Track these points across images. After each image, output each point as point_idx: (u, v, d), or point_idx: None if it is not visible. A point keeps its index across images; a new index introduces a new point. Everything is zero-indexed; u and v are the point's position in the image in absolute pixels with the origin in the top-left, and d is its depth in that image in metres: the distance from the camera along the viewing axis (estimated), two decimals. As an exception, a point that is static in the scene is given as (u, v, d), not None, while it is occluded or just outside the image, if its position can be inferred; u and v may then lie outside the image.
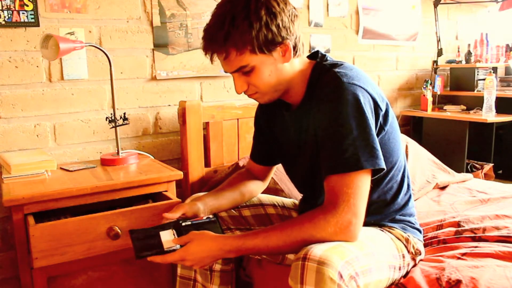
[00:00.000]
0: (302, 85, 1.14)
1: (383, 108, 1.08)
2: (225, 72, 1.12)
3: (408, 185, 1.23)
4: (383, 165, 1.00)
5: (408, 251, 1.18)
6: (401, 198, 1.20)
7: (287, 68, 1.10)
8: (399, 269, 1.14)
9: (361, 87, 1.03)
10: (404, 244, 1.17)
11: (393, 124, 1.14)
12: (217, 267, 1.32)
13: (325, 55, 1.17)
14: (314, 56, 1.19)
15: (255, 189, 1.38)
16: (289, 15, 1.05)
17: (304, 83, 1.14)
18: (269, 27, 1.02)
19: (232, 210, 1.34)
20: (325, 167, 1.02)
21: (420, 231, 1.27)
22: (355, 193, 0.96)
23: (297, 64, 1.12)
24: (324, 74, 1.09)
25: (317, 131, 1.06)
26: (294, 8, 1.09)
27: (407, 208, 1.23)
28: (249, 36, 1.01)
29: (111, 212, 1.39)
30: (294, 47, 1.08)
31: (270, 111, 1.30)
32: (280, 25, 1.03)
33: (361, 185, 0.98)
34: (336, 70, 1.06)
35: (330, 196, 0.99)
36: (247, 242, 1.01)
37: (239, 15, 1.01)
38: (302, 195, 1.36)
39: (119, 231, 1.38)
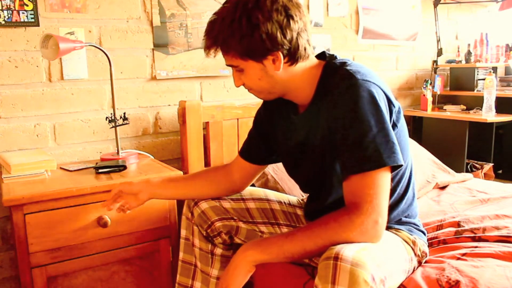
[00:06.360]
0: (310, 87, 1.11)
1: (396, 105, 1.07)
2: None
3: (414, 183, 1.22)
4: (402, 161, 0.98)
5: (415, 254, 1.18)
6: (408, 197, 1.19)
7: (280, 75, 1.07)
8: (408, 272, 1.15)
9: (374, 83, 1.02)
10: (411, 247, 1.17)
11: (403, 122, 1.13)
12: (218, 251, 1.32)
13: (333, 54, 1.14)
14: (322, 55, 1.16)
15: (223, 187, 1.33)
16: (280, 25, 1.00)
17: (312, 84, 1.11)
18: (251, 37, 0.99)
19: (239, 203, 1.34)
20: (345, 167, 0.99)
21: (424, 233, 1.26)
22: (378, 193, 0.95)
23: (299, 68, 1.08)
24: (334, 72, 1.06)
25: (332, 130, 1.04)
26: (294, 14, 1.02)
27: (412, 208, 1.22)
28: (232, 42, 1.01)
29: (101, 202, 1.43)
30: (291, 55, 1.05)
31: (274, 112, 1.27)
32: (264, 37, 0.99)
33: (382, 184, 0.96)
34: (348, 68, 1.04)
35: (352, 197, 0.97)
36: (268, 238, 1.01)
37: (227, 18, 1.00)
38: (306, 194, 1.35)
39: (108, 220, 1.44)
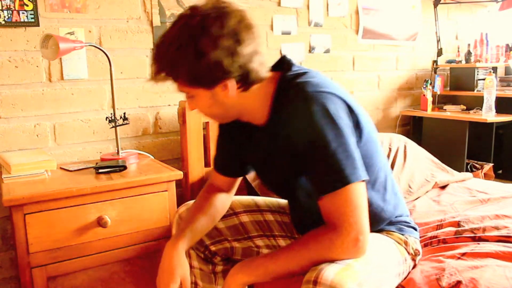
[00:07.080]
0: (265, 105, 1.05)
1: (358, 110, 1.03)
2: None
3: (393, 182, 1.20)
4: (365, 175, 0.95)
5: (408, 253, 1.18)
6: (390, 197, 1.16)
7: (232, 100, 1.00)
8: (402, 274, 1.14)
9: (328, 92, 0.97)
10: (404, 247, 1.17)
11: (369, 124, 1.08)
12: (219, 268, 1.32)
13: (289, 62, 1.07)
14: (280, 63, 1.09)
15: (223, 207, 1.27)
16: (229, 52, 0.92)
17: (267, 102, 1.05)
18: (198, 66, 0.92)
19: (232, 219, 1.31)
20: (315, 188, 0.97)
21: (416, 229, 1.25)
22: (353, 210, 0.92)
23: (252, 90, 1.01)
24: (288, 87, 1.01)
25: (292, 149, 1.00)
26: (244, 38, 0.93)
27: (399, 205, 1.21)
28: (179, 70, 0.94)
29: (101, 202, 1.44)
30: (243, 81, 0.97)
31: (235, 129, 1.20)
32: (212, 65, 0.91)
33: (355, 198, 0.93)
34: (299, 80, 1.00)
35: (329, 217, 0.95)
36: (255, 260, 1.00)
37: (174, 44, 0.93)
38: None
39: (108, 220, 1.45)
